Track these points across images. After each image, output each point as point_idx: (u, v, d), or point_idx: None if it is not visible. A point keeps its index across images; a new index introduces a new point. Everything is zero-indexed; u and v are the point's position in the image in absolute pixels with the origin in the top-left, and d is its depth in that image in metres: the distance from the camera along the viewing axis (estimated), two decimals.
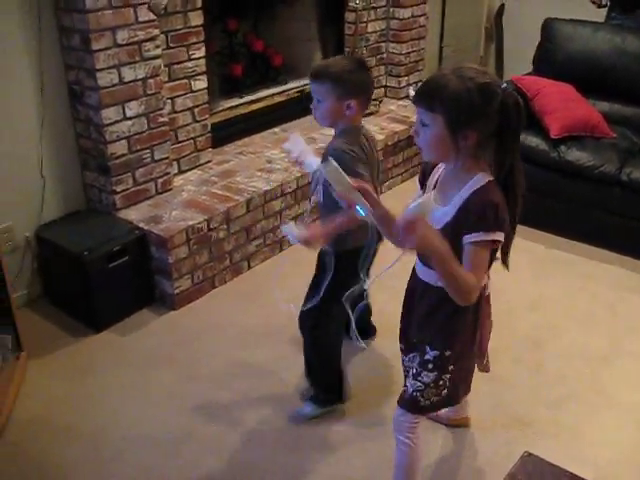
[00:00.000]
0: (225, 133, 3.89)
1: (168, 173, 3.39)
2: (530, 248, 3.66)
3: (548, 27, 4.33)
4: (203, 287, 3.27)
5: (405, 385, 2.04)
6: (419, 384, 1.95)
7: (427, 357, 1.92)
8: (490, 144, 1.71)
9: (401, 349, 2.11)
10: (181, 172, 3.55)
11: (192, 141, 3.56)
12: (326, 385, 2.61)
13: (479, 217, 1.66)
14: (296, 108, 4.26)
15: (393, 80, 4.84)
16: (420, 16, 4.77)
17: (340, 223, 2.14)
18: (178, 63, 3.34)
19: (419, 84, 1.76)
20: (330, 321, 2.47)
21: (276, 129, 4.17)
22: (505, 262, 1.82)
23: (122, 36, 2.97)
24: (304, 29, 4.50)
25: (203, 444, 2.45)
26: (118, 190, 3.18)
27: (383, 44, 4.72)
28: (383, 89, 4.87)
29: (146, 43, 3.08)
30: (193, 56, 3.39)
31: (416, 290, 1.97)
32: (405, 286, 2.04)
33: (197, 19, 3.35)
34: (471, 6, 5.91)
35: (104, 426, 2.53)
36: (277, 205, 3.50)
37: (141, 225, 3.12)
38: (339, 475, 2.34)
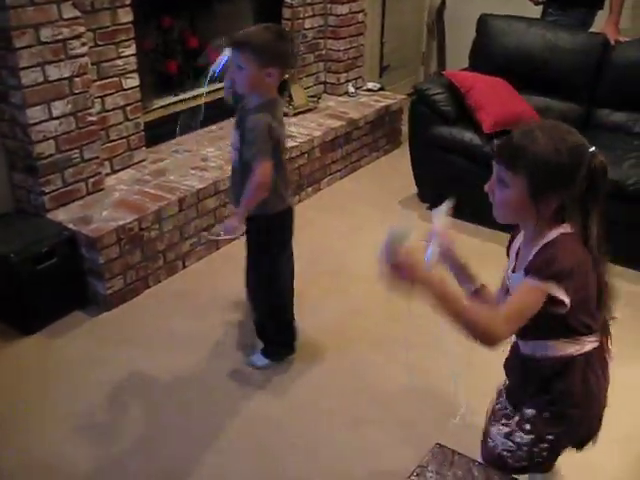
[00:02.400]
0: (160, 131, 3.86)
1: (99, 173, 3.34)
2: (465, 241, 3.70)
3: (483, 22, 4.39)
4: (137, 287, 3.23)
5: (489, 438, 1.88)
6: (510, 444, 1.79)
7: (526, 417, 1.77)
8: (573, 208, 1.59)
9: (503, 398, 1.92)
10: (114, 171, 3.50)
11: (124, 140, 3.51)
12: (279, 341, 2.82)
13: (533, 264, 1.57)
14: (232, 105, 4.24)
15: (332, 76, 4.86)
16: (358, 12, 4.79)
17: (246, 204, 2.42)
18: (107, 61, 3.30)
19: (502, 139, 1.63)
20: (275, 277, 2.67)
21: (213, 127, 4.14)
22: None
23: (46, 34, 2.92)
24: (241, 26, 4.45)
25: (134, 444, 2.43)
26: (47, 191, 3.13)
27: (321, 40, 4.73)
28: (322, 85, 4.88)
29: (71, 41, 3.03)
30: (123, 54, 3.35)
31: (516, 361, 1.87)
32: None
33: (126, 16, 3.32)
34: (412, 2, 5.95)
35: (33, 428, 2.49)
36: (211, 203, 3.47)
37: (70, 226, 3.07)
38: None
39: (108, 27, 3.25)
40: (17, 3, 2.79)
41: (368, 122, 4.61)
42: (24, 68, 2.89)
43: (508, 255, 1.83)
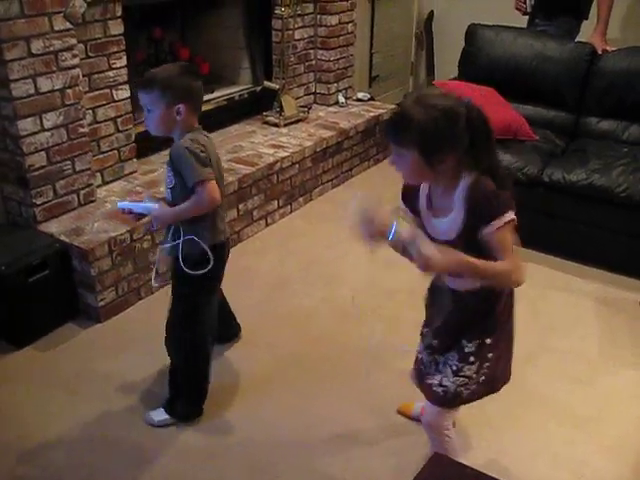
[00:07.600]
0: (151, 143, 3.84)
1: (91, 184, 3.34)
2: None
3: (471, 32, 4.43)
4: (129, 299, 3.22)
5: (434, 389, 2.03)
6: (462, 379, 1.97)
7: (467, 350, 1.95)
8: (468, 156, 1.76)
9: (430, 350, 2.09)
10: (105, 183, 3.50)
11: (116, 151, 3.51)
12: (190, 398, 2.59)
13: (487, 208, 1.73)
14: (223, 116, 4.27)
15: (322, 87, 4.88)
16: (348, 23, 4.82)
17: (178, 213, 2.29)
18: (98, 73, 3.30)
19: (385, 123, 1.83)
20: (201, 323, 2.51)
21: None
22: None
23: (37, 46, 2.92)
24: (231, 37, 4.50)
25: (129, 458, 2.42)
26: (38, 203, 3.12)
27: (311, 51, 4.76)
28: (312, 96, 4.90)
29: (63, 53, 3.03)
30: (114, 65, 3.36)
31: (442, 296, 2.00)
32: None
33: (117, 28, 3.32)
34: (401, 13, 5.99)
35: (29, 441, 2.47)
36: None
37: (62, 238, 3.06)
38: None
39: (99, 39, 3.25)
40: (8, 15, 2.78)
41: (359, 132, 4.63)
42: (15, 80, 2.88)
43: (405, 202, 1.96)
